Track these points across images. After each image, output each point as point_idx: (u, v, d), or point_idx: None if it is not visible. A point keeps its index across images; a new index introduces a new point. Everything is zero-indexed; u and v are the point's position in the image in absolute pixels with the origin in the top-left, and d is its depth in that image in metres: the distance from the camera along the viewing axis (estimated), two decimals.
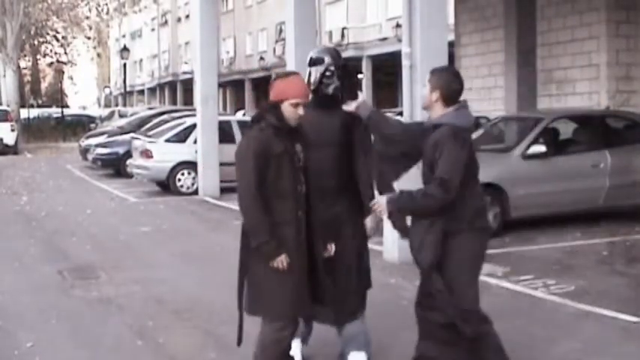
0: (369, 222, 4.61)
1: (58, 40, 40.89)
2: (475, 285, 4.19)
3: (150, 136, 16.42)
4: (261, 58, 42.30)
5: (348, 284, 4.52)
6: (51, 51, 42.40)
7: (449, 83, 4.22)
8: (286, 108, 3.98)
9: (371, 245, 4.83)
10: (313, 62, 4.75)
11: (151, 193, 15.40)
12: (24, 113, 40.09)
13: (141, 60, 67.52)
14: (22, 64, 47.55)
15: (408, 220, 4.24)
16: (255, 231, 3.90)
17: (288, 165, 3.96)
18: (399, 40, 14.46)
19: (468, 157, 4.09)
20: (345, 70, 4.69)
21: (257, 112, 4.11)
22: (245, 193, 3.90)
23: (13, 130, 29.29)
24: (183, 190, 15.06)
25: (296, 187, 4.00)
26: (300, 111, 4.01)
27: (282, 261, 3.89)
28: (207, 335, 5.73)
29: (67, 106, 57.71)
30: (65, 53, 42.37)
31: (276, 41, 39.21)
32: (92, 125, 35.35)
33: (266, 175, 3.89)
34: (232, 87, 48.63)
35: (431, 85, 4.24)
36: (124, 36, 67.54)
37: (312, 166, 4.15)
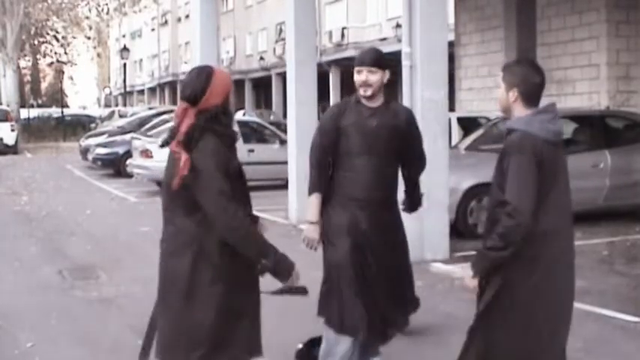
0: None
1: (58, 40, 40.95)
2: None
3: (150, 136, 16.41)
4: (261, 58, 42.28)
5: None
6: (51, 51, 42.46)
7: (526, 77, 3.51)
8: (231, 100, 3.37)
9: None
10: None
11: (151, 193, 15.38)
12: (24, 113, 40.13)
13: (141, 60, 67.50)
14: (22, 64, 47.64)
15: None
16: (265, 252, 3.29)
17: (240, 183, 3.38)
18: (399, 40, 14.45)
19: (541, 175, 3.37)
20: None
21: (204, 120, 3.27)
22: (238, 216, 3.23)
23: (13, 130, 29.30)
24: None
25: (245, 207, 3.39)
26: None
27: (297, 273, 3.36)
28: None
29: (67, 106, 57.82)
30: (65, 53, 42.46)
31: (276, 41, 39.20)
32: (92, 125, 35.37)
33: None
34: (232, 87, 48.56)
35: (505, 84, 3.56)
36: (124, 36, 67.53)
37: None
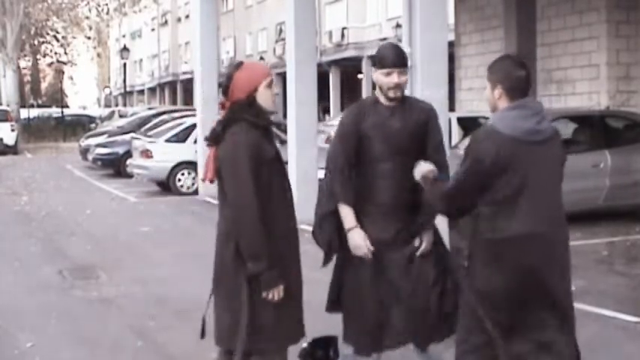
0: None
1: (58, 40, 40.94)
2: None
3: (150, 136, 16.43)
4: (261, 58, 42.26)
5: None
6: (51, 51, 42.45)
7: (509, 72, 3.46)
8: (262, 93, 3.55)
9: None
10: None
11: (151, 193, 15.40)
12: (24, 113, 40.09)
13: (141, 60, 67.50)
14: (22, 64, 47.62)
15: None
16: (255, 255, 3.41)
17: (279, 170, 3.61)
18: (399, 40, 14.46)
19: (503, 176, 3.34)
20: None
21: (230, 112, 3.56)
22: (245, 207, 3.39)
23: (13, 130, 29.31)
24: (184, 190, 15.06)
25: (286, 194, 3.63)
26: (275, 89, 3.65)
27: (279, 291, 3.47)
28: (208, 335, 5.72)
29: (67, 106, 57.76)
30: (65, 53, 42.46)
31: (276, 41, 39.19)
32: (92, 125, 35.37)
33: (258, 184, 3.43)
34: None
35: (490, 82, 3.51)
36: (124, 36, 67.52)
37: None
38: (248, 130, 3.48)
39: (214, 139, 3.56)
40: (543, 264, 3.38)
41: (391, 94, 3.99)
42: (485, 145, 3.36)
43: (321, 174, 4.54)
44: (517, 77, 3.44)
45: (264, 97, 3.55)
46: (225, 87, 3.56)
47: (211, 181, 3.60)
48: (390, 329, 4.01)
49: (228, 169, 3.45)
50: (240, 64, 3.62)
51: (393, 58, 3.97)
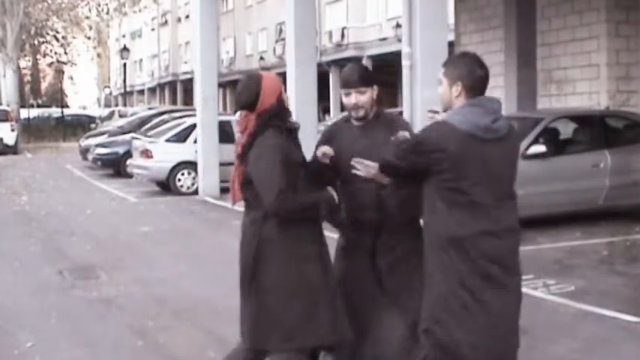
0: None
1: (58, 40, 40.90)
2: None
3: (150, 136, 16.43)
4: (261, 58, 42.27)
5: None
6: (51, 51, 42.42)
7: (472, 70, 3.39)
8: (284, 97, 3.70)
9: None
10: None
11: (151, 193, 15.40)
12: (24, 113, 40.08)
13: (141, 60, 67.49)
14: (22, 64, 47.59)
15: None
16: (316, 207, 3.62)
17: (303, 175, 3.71)
18: (399, 40, 14.46)
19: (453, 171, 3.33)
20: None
21: (260, 121, 3.62)
22: (282, 193, 3.48)
23: (13, 130, 29.31)
24: (184, 190, 15.06)
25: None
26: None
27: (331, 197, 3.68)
28: (208, 335, 5.73)
29: (67, 106, 57.76)
30: (65, 53, 42.42)
31: (276, 41, 39.18)
32: (92, 125, 35.36)
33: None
34: (232, 87, 48.61)
35: (448, 79, 3.43)
36: (124, 36, 67.50)
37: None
38: (276, 136, 3.58)
39: (244, 153, 3.62)
40: (496, 263, 3.36)
41: (353, 114, 3.96)
42: (437, 137, 3.33)
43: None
44: (478, 76, 3.40)
45: (286, 99, 3.70)
46: (252, 100, 3.59)
47: (240, 200, 3.73)
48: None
49: (260, 169, 3.52)
50: (256, 76, 3.67)
51: (347, 77, 3.94)
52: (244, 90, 3.64)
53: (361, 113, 3.93)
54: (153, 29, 62.80)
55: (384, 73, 32.86)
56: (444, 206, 3.35)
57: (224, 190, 13.92)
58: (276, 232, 3.57)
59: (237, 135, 3.78)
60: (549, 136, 10.15)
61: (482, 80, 3.41)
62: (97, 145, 20.06)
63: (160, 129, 17.11)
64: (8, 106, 32.24)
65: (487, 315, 3.33)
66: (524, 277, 6.59)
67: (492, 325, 3.34)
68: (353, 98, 3.91)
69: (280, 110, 3.63)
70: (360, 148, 3.87)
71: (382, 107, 4.16)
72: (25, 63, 51.52)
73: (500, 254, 3.37)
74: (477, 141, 3.30)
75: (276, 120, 3.61)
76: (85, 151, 21.65)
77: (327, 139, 4.09)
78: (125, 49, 43.15)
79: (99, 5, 39.55)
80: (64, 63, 43.97)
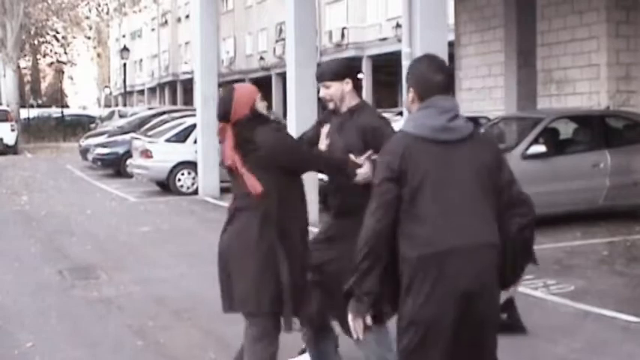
0: None
1: (58, 40, 40.91)
2: None
3: (150, 136, 16.43)
4: (261, 58, 42.28)
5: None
6: (51, 51, 42.43)
7: (424, 76, 3.13)
8: (259, 105, 3.92)
9: None
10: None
11: (151, 193, 15.40)
12: (24, 113, 40.08)
13: (141, 60, 67.50)
14: (22, 64, 47.58)
15: None
16: (342, 167, 3.96)
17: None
18: (399, 40, 14.46)
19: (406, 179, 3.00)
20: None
21: (239, 128, 3.84)
22: (316, 158, 4.05)
23: (13, 130, 29.31)
24: (184, 190, 15.07)
25: (303, 199, 3.99)
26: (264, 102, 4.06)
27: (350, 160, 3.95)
28: (207, 335, 5.73)
29: (67, 106, 57.76)
30: (65, 53, 42.43)
31: (276, 41, 39.18)
32: (92, 125, 35.34)
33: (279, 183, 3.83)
34: None
35: (408, 84, 3.22)
36: (124, 36, 67.51)
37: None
38: (273, 128, 3.88)
39: (241, 147, 3.81)
40: (468, 284, 2.93)
41: (327, 105, 4.21)
42: (392, 149, 3.06)
43: (321, 174, 4.67)
44: (433, 82, 3.11)
45: (261, 108, 3.90)
46: (224, 111, 3.85)
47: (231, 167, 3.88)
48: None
49: (284, 149, 3.84)
50: (230, 88, 3.95)
51: (318, 72, 4.23)
52: (220, 102, 3.93)
53: (330, 105, 4.17)
54: (153, 29, 62.82)
55: (384, 73, 32.92)
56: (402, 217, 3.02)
57: (224, 190, 13.93)
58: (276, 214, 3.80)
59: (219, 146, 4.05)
60: (549, 136, 10.16)
61: (438, 85, 3.10)
62: (97, 145, 20.07)
63: (159, 129, 17.11)
64: (8, 106, 32.25)
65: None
66: (524, 277, 6.60)
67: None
68: (322, 91, 4.17)
69: (254, 116, 3.84)
70: (334, 140, 4.10)
71: (363, 103, 4.17)
72: (25, 63, 51.52)
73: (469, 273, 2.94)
74: (429, 143, 3.00)
75: (257, 119, 3.85)
76: (85, 151, 21.65)
77: (319, 123, 4.37)
78: (125, 49, 43.14)
79: (99, 5, 39.55)
80: (64, 63, 44.00)
